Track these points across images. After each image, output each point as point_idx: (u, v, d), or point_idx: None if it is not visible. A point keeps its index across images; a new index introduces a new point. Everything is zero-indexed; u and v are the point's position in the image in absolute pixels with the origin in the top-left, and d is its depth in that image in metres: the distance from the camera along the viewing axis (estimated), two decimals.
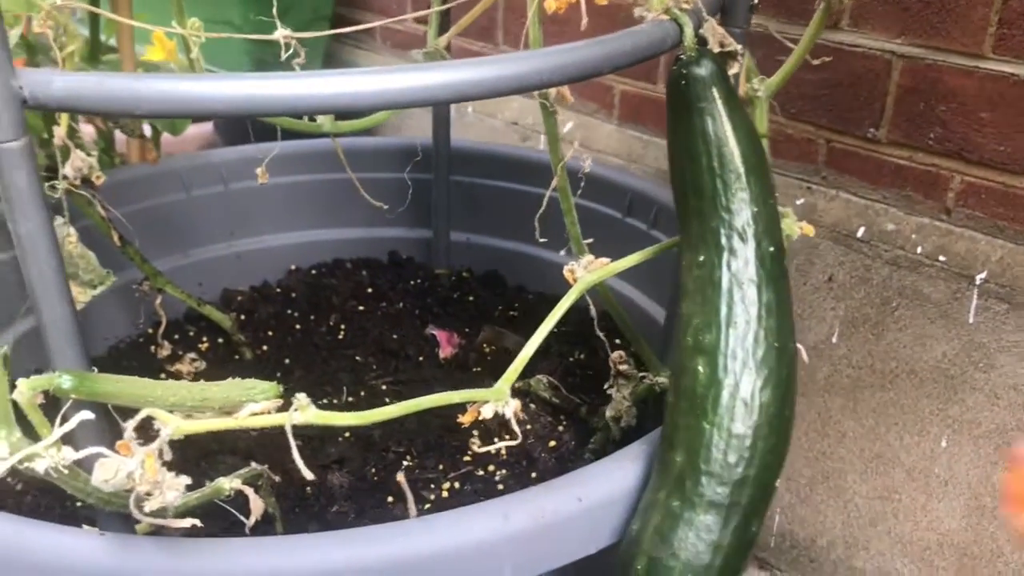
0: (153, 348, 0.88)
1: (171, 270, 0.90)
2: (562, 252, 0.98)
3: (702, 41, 0.51)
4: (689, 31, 0.49)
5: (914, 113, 1.02)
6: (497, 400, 0.51)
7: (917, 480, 1.02)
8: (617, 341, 0.90)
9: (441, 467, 0.72)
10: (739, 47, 0.52)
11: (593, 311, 0.61)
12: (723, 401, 0.48)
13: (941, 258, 1.03)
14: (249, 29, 1.52)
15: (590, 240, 0.66)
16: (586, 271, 0.55)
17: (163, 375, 0.85)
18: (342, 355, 0.89)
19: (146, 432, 0.44)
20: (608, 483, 0.51)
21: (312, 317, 0.94)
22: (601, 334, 0.62)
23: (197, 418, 0.45)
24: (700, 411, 0.48)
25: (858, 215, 1.10)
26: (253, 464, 0.63)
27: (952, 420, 1.01)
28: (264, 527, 0.53)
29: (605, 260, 0.56)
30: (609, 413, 0.64)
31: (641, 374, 0.63)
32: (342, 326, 0.93)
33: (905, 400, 1.02)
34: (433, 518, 0.49)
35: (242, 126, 1.62)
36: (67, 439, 0.45)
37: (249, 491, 0.50)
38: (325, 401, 0.83)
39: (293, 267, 1.03)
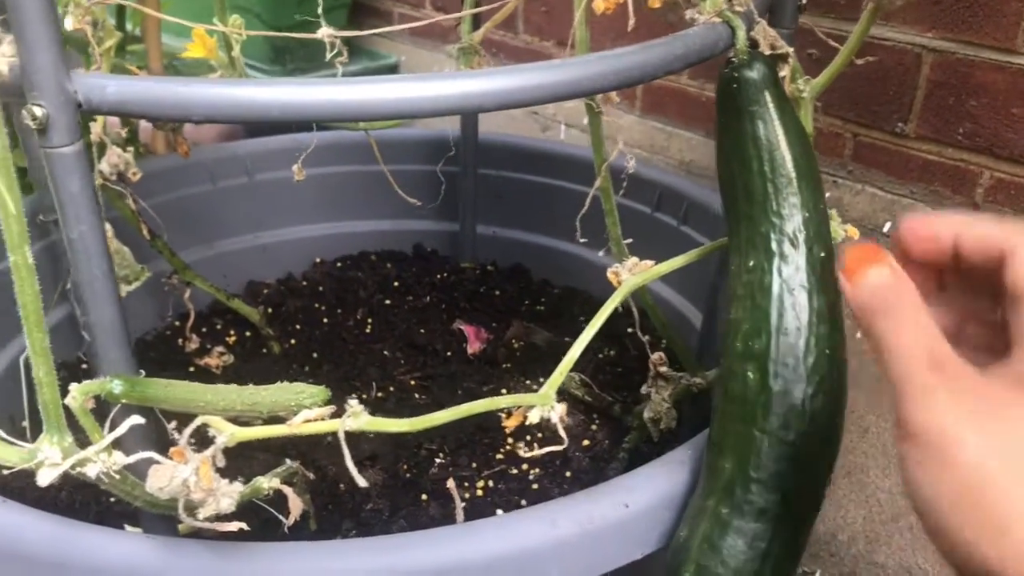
0: (180, 341, 0.88)
1: (196, 262, 0.90)
2: (595, 249, 0.97)
3: (752, 43, 0.50)
4: (741, 34, 0.49)
5: (944, 108, 1.01)
6: (543, 405, 0.51)
7: None
8: (646, 338, 0.90)
9: (474, 465, 0.72)
10: (789, 49, 0.52)
11: (635, 311, 0.61)
12: (774, 408, 0.47)
13: None
14: (267, 16, 1.51)
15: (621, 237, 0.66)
16: (631, 274, 0.54)
17: (191, 368, 0.85)
18: (370, 350, 0.88)
19: (192, 434, 0.44)
20: (655, 489, 0.51)
21: (339, 311, 0.94)
22: (642, 336, 0.61)
23: (244, 422, 0.45)
24: (750, 418, 0.47)
25: (884, 210, 1.09)
26: (288, 461, 0.63)
27: None
28: (297, 524, 0.52)
29: (649, 263, 0.55)
30: (647, 415, 0.63)
31: (679, 375, 0.63)
32: (369, 320, 0.93)
33: None
34: (481, 524, 0.48)
35: None
36: (115, 443, 0.45)
37: (288, 491, 0.50)
38: (354, 396, 0.82)
39: (318, 259, 1.03)
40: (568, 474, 0.71)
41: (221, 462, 0.43)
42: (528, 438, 0.76)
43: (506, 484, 0.70)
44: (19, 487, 0.70)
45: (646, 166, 0.93)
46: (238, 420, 0.46)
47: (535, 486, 0.70)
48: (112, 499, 0.70)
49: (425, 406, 0.81)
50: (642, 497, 0.50)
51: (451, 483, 0.57)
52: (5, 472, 0.71)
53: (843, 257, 0.39)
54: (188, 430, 0.41)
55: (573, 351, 0.53)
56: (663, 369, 0.61)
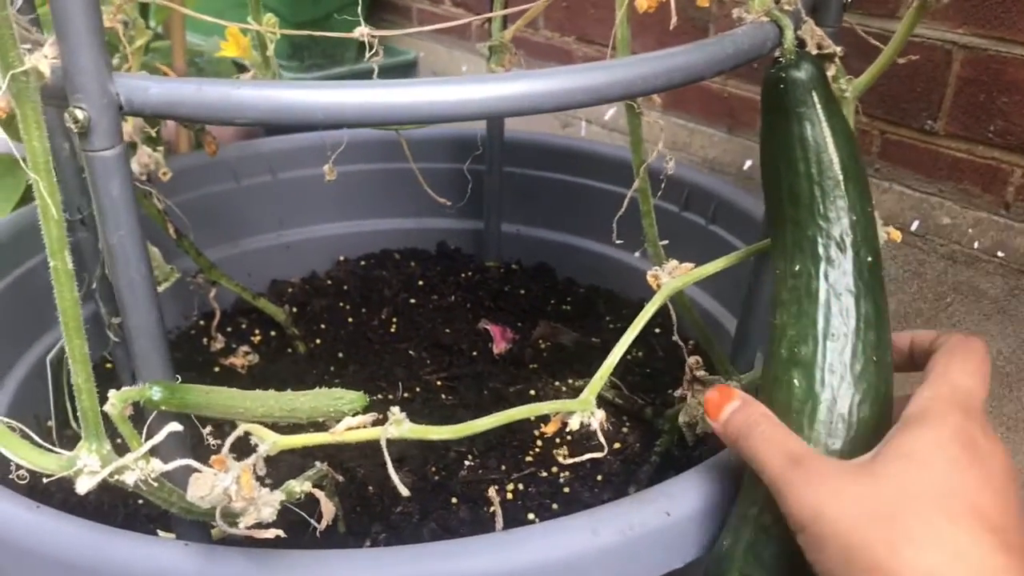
0: (205, 340, 0.87)
1: (220, 260, 0.90)
2: (621, 248, 0.96)
3: (799, 43, 0.49)
4: (790, 33, 0.48)
5: (974, 105, 1.00)
6: (584, 411, 0.50)
7: None
8: (674, 339, 0.89)
9: (504, 468, 0.72)
10: (837, 48, 0.51)
11: (673, 314, 0.60)
12: (820, 416, 0.47)
13: (999, 254, 1.01)
14: (286, 12, 1.50)
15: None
16: (670, 277, 0.54)
17: (216, 368, 0.85)
18: (395, 349, 0.88)
19: (222, 437, 0.43)
20: (696, 496, 0.50)
21: (364, 310, 0.93)
22: (678, 339, 0.60)
23: (282, 428, 0.44)
24: (796, 426, 0.47)
25: (912, 208, 1.08)
26: (316, 464, 0.62)
27: (1007, 418, 0.99)
28: (326, 527, 0.52)
29: (689, 265, 0.54)
30: (683, 419, 0.62)
31: (715, 379, 0.62)
32: (394, 319, 0.92)
33: None
34: (522, 532, 0.48)
35: None
36: (151, 450, 0.45)
37: (320, 494, 0.50)
38: (380, 397, 0.82)
39: (342, 258, 1.02)
40: (599, 477, 0.70)
41: (262, 470, 0.42)
42: (558, 441, 0.75)
43: (536, 487, 0.69)
44: (45, 488, 0.70)
45: (673, 163, 0.92)
46: (276, 426, 0.45)
47: (566, 489, 0.69)
48: (140, 501, 0.70)
49: (451, 407, 0.81)
50: (684, 505, 0.50)
51: (492, 492, 0.57)
52: (34, 475, 0.71)
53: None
54: (230, 439, 0.40)
55: (612, 356, 0.52)
56: (700, 373, 0.60)
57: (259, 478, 0.43)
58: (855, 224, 0.49)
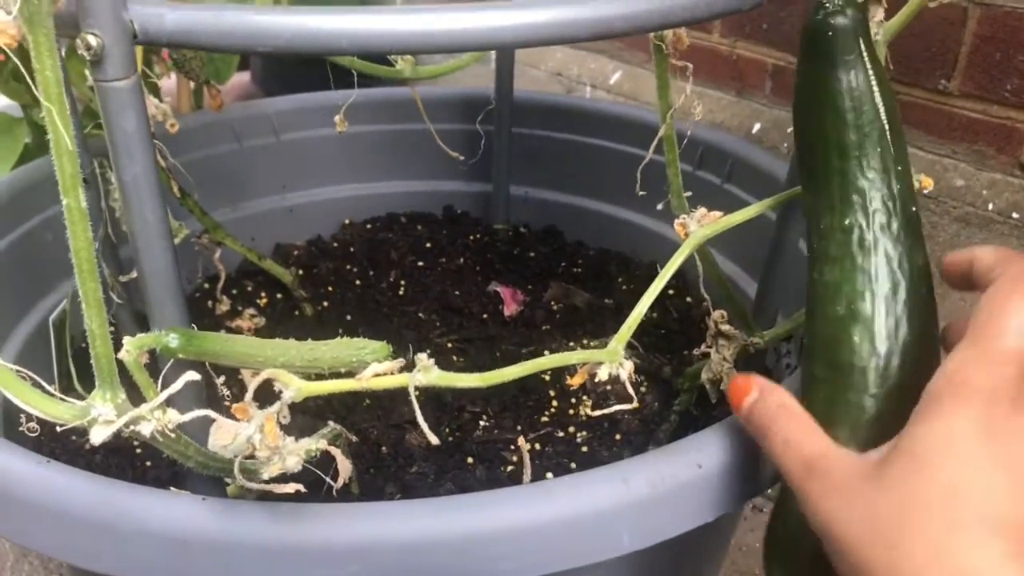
0: (210, 303, 0.86)
1: (222, 224, 0.87)
2: (632, 209, 0.95)
3: None
4: None
5: (990, 64, 0.98)
6: (612, 361, 0.48)
7: None
8: (688, 300, 0.88)
9: (519, 427, 0.70)
10: None
11: (700, 266, 0.58)
12: (884, 372, 0.45)
13: (1014, 215, 1.00)
14: None
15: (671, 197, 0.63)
16: (699, 225, 0.52)
17: (222, 331, 0.83)
18: (404, 312, 0.86)
19: (238, 393, 0.42)
20: (728, 449, 0.49)
21: (371, 273, 0.91)
22: (707, 296, 0.59)
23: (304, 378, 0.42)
24: (862, 386, 0.44)
25: (925, 170, 1.06)
26: (331, 424, 0.60)
27: None
28: (340, 489, 0.50)
29: (718, 213, 0.53)
30: (706, 375, 0.61)
31: (740, 334, 0.61)
32: (402, 282, 0.90)
33: None
34: (551, 483, 0.46)
35: (282, 77, 1.59)
36: (166, 401, 0.43)
37: (337, 452, 0.48)
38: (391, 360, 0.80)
39: (347, 221, 1.00)
40: (617, 437, 0.69)
41: (286, 418, 0.41)
42: (573, 400, 0.74)
43: (554, 447, 0.68)
44: (50, 451, 0.69)
45: (688, 123, 0.90)
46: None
47: (584, 449, 0.68)
48: (148, 463, 0.68)
49: (464, 369, 0.78)
50: (715, 458, 0.48)
51: (521, 440, 0.55)
52: (37, 434, 0.70)
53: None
54: (254, 383, 0.39)
55: (640, 306, 0.51)
56: (725, 327, 0.59)
57: (282, 427, 0.41)
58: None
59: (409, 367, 0.44)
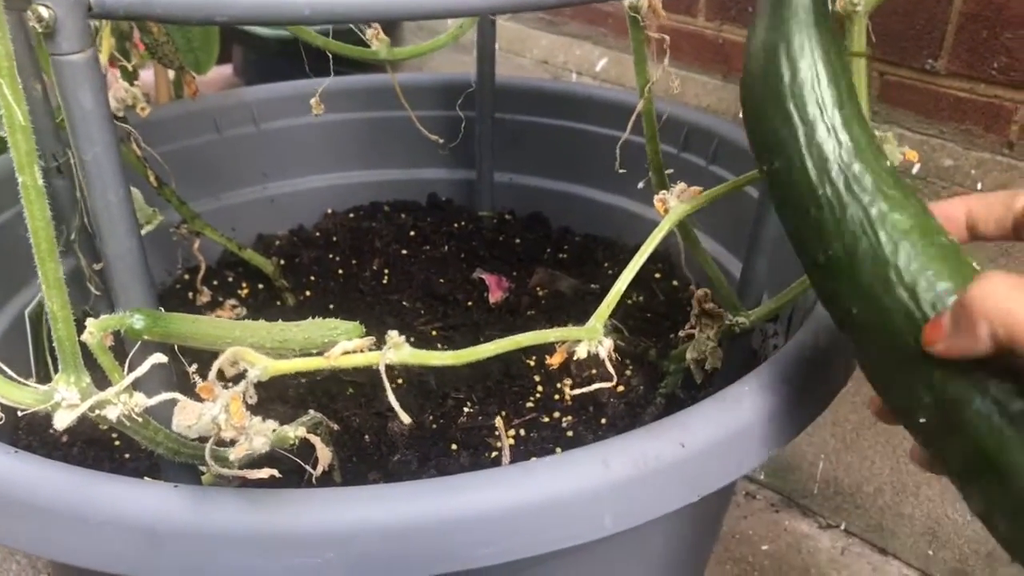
0: (191, 294, 0.84)
1: (203, 215, 0.86)
2: (617, 194, 0.94)
3: None
4: None
5: (977, 42, 0.97)
6: (591, 339, 0.48)
7: None
8: (674, 283, 0.87)
9: (504, 413, 0.69)
10: None
11: (681, 244, 0.57)
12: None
13: None
14: None
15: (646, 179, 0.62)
16: (679, 200, 0.51)
17: None
18: (388, 300, 0.85)
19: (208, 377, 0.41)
20: (712, 427, 0.48)
21: (354, 262, 0.90)
22: (689, 274, 0.58)
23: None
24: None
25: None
26: (311, 412, 0.59)
27: None
28: (321, 478, 0.49)
29: (698, 188, 0.52)
30: (691, 355, 0.60)
31: (725, 313, 0.60)
32: (386, 271, 0.89)
33: None
34: (531, 464, 0.45)
35: (263, 69, 1.57)
36: (134, 385, 0.42)
37: (316, 440, 0.47)
38: (373, 348, 0.79)
39: (329, 211, 0.99)
40: (603, 420, 0.68)
41: (253, 399, 0.40)
42: (559, 386, 0.73)
43: (539, 432, 0.67)
44: (26, 444, 0.68)
45: (672, 104, 0.89)
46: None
47: (569, 433, 0.67)
48: (127, 455, 0.67)
49: None
50: (699, 436, 0.47)
51: (499, 422, 0.54)
52: (14, 427, 0.68)
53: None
54: (218, 362, 0.38)
55: (619, 283, 0.50)
56: (708, 306, 0.58)
57: (249, 408, 0.40)
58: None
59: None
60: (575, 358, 0.47)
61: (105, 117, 0.38)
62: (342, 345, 0.40)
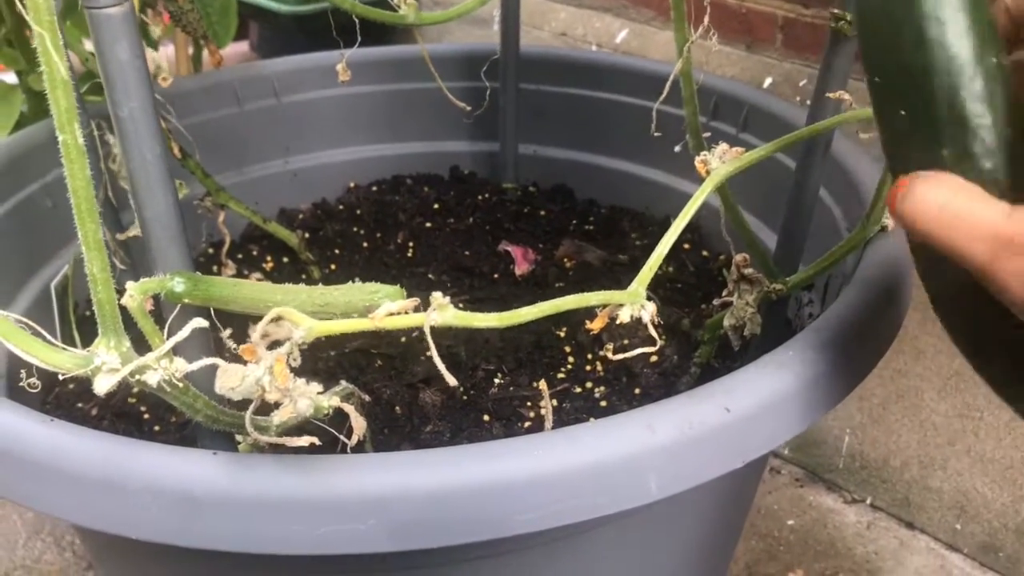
0: (215, 268, 0.84)
1: (226, 188, 0.86)
2: (644, 165, 0.93)
3: None
4: None
5: None
6: (633, 302, 0.47)
7: None
8: (704, 253, 0.86)
9: (535, 384, 0.68)
10: None
11: (722, 210, 0.56)
12: None
13: None
14: None
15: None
16: (721, 162, 0.50)
17: None
18: (413, 274, 0.84)
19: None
20: (757, 392, 0.47)
21: (379, 235, 0.90)
22: (729, 239, 0.57)
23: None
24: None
25: None
26: (343, 383, 0.59)
27: None
28: (353, 450, 0.49)
29: (740, 149, 0.51)
30: (728, 322, 0.59)
31: (764, 278, 0.59)
32: (411, 244, 0.88)
33: None
34: (575, 430, 0.44)
35: (279, 45, 1.56)
36: (173, 351, 0.41)
37: (350, 409, 0.46)
38: None
39: (352, 184, 0.98)
40: (636, 391, 0.67)
41: (297, 361, 0.39)
42: (589, 356, 0.72)
43: (571, 403, 0.66)
44: (55, 417, 0.67)
45: (700, 72, 0.87)
46: None
47: (603, 403, 0.66)
48: (157, 427, 0.67)
49: (476, 330, 0.77)
50: (744, 401, 0.46)
51: (542, 384, 0.53)
52: (41, 402, 0.68)
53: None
54: (263, 322, 0.37)
55: (661, 247, 0.49)
56: (748, 271, 0.57)
57: (293, 371, 0.39)
58: None
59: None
60: (617, 322, 0.46)
61: (142, 70, 0.38)
62: (387, 307, 0.39)
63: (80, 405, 0.68)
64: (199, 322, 0.40)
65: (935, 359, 1.03)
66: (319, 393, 0.45)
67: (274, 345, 0.39)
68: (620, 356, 0.48)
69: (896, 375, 1.07)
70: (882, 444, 1.11)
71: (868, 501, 1.13)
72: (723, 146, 0.51)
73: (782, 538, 1.04)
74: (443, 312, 0.40)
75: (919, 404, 1.06)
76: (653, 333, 0.47)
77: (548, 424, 0.52)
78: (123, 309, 0.39)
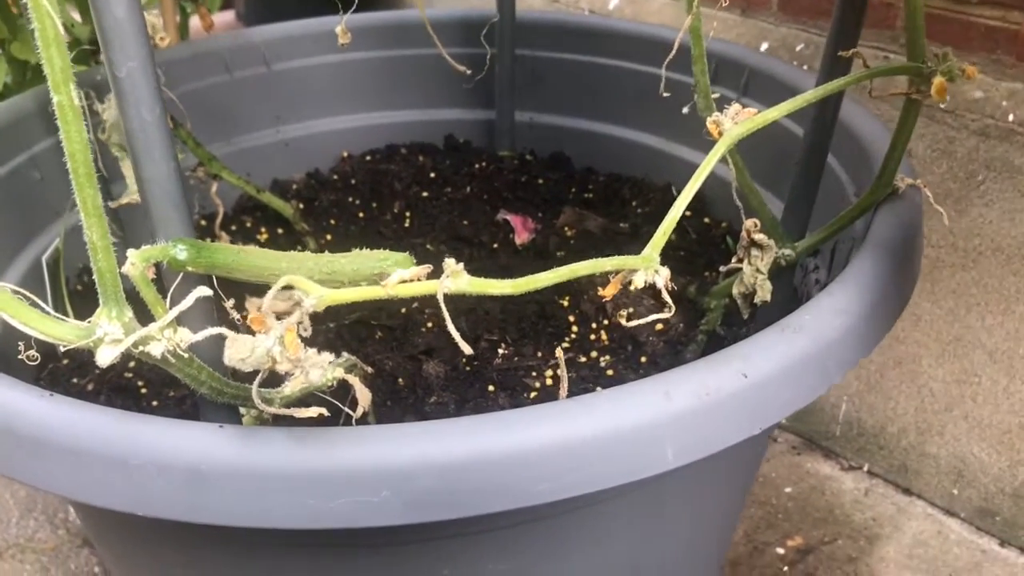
0: (209, 240, 0.82)
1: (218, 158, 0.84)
2: (644, 131, 0.91)
3: None
4: None
5: None
6: (647, 268, 0.45)
7: (1000, 362, 0.98)
8: (706, 220, 0.85)
9: (540, 355, 0.67)
10: None
11: (733, 171, 0.55)
12: None
13: None
14: None
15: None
16: (734, 122, 0.48)
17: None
18: (411, 244, 0.83)
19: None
20: (774, 357, 0.46)
21: (374, 205, 0.88)
22: (726, 212, 0.56)
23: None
24: None
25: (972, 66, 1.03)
26: (345, 354, 0.58)
27: None
28: (357, 422, 0.48)
29: (752, 110, 0.49)
30: (738, 289, 0.58)
31: (774, 244, 0.57)
32: (407, 214, 0.87)
33: (989, 279, 0.97)
34: (590, 398, 0.43)
35: (265, 13, 1.53)
36: (177, 320, 0.40)
37: (355, 380, 0.45)
38: None
39: (345, 154, 0.96)
40: (643, 359, 0.66)
41: (307, 330, 0.38)
42: (593, 326, 0.71)
43: (577, 372, 0.65)
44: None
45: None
46: None
47: (609, 372, 0.65)
48: (155, 402, 0.65)
49: (477, 299, 0.76)
50: (761, 366, 0.45)
51: (559, 352, 0.52)
52: (35, 379, 0.66)
53: None
54: (272, 291, 0.35)
55: (674, 210, 0.47)
56: (758, 236, 0.56)
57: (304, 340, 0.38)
58: None
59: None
60: (632, 287, 0.45)
61: (140, 29, 0.36)
62: (399, 274, 0.38)
63: (75, 380, 0.67)
64: (203, 290, 0.39)
65: (933, 325, 1.03)
66: (329, 363, 0.44)
67: (282, 315, 0.37)
68: (634, 323, 0.47)
69: (894, 341, 1.07)
70: (879, 411, 1.11)
71: (865, 468, 1.13)
72: (736, 107, 0.49)
73: (780, 506, 1.04)
74: (457, 279, 0.39)
75: (917, 370, 1.06)
76: (668, 299, 0.46)
77: (563, 392, 0.51)
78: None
